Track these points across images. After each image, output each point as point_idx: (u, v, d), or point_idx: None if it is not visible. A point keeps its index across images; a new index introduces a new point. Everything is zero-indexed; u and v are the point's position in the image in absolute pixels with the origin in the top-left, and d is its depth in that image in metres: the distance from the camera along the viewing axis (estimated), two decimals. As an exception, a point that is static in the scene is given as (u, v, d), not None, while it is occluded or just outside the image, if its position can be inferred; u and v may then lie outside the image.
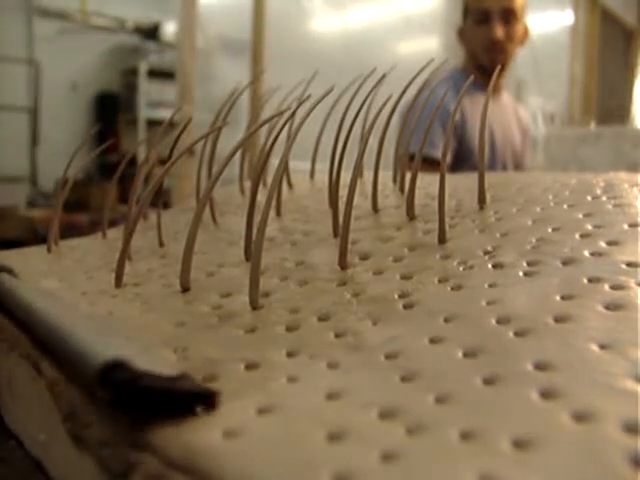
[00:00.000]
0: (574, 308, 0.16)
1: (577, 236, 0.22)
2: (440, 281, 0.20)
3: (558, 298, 0.17)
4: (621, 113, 3.84)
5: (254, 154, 2.13)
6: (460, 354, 0.15)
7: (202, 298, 0.22)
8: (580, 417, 0.12)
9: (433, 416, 0.12)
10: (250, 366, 0.15)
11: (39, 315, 0.17)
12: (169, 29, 3.34)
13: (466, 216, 0.27)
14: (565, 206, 0.26)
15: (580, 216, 0.24)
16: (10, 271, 0.23)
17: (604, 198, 0.27)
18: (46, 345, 0.16)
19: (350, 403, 0.13)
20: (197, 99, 1.92)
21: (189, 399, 0.12)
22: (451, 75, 1.37)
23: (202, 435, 0.12)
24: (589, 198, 0.27)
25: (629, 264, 0.19)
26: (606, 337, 0.15)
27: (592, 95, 3.43)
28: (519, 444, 0.11)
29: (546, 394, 0.13)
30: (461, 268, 0.21)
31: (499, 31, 1.34)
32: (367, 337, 0.16)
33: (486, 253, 0.22)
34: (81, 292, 0.25)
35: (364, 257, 0.24)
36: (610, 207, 0.25)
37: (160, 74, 3.37)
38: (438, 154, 1.24)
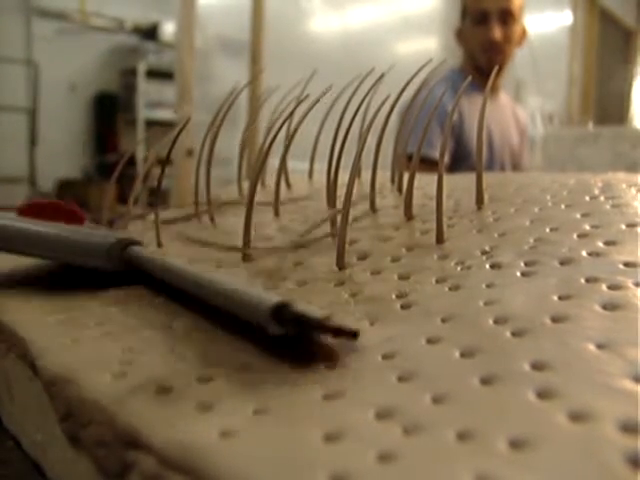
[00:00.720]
0: (571, 308, 0.16)
1: (575, 236, 0.22)
2: (438, 281, 0.20)
3: (555, 298, 0.17)
4: (620, 113, 3.85)
5: (253, 153, 2.13)
6: (457, 354, 0.15)
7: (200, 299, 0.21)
8: (577, 417, 0.12)
9: (430, 416, 0.12)
10: (247, 368, 0.15)
11: (192, 276, 0.20)
12: (168, 29, 3.34)
13: (464, 216, 0.27)
14: (563, 206, 0.26)
15: (578, 216, 0.24)
16: (140, 243, 0.26)
17: (602, 198, 0.27)
18: (208, 300, 0.19)
19: (347, 403, 0.13)
20: (196, 99, 1.92)
21: (337, 333, 0.15)
22: (449, 75, 1.38)
23: (199, 435, 0.12)
24: (587, 198, 0.27)
25: (627, 264, 0.19)
26: (603, 337, 0.15)
27: (590, 95, 3.43)
28: (516, 444, 0.11)
29: (543, 394, 0.13)
30: (459, 268, 0.21)
31: (497, 32, 1.34)
32: (364, 337, 0.16)
33: (484, 253, 0.22)
34: (79, 291, 0.25)
35: (362, 257, 0.24)
36: (608, 207, 0.25)
37: (159, 74, 3.37)
38: (436, 154, 1.24)
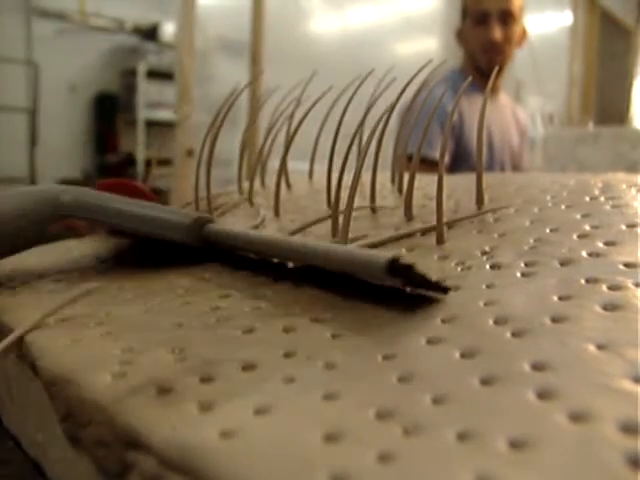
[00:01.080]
0: (571, 308, 0.16)
1: (575, 237, 0.22)
2: (438, 282, 0.20)
3: (556, 299, 0.17)
4: (620, 113, 3.85)
5: (253, 154, 2.13)
6: (457, 355, 0.15)
7: (200, 299, 0.22)
8: (577, 417, 0.12)
9: (430, 417, 0.12)
10: (247, 367, 0.15)
11: (292, 243, 0.22)
12: (168, 30, 3.34)
13: (464, 219, 0.27)
14: (563, 207, 0.26)
15: (578, 217, 0.24)
16: (214, 221, 0.28)
17: (602, 199, 0.27)
18: (313, 262, 0.21)
19: (347, 404, 0.13)
20: (196, 99, 1.92)
21: (433, 287, 0.18)
22: (449, 76, 1.38)
23: (199, 435, 0.12)
24: (587, 199, 0.27)
25: (627, 264, 0.19)
26: (604, 337, 0.15)
27: (591, 95, 3.43)
28: (516, 445, 0.11)
29: (543, 394, 0.13)
30: (459, 269, 0.21)
31: (497, 32, 1.34)
32: (364, 338, 0.16)
33: (484, 254, 0.22)
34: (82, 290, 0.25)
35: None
36: (608, 208, 0.25)
37: (159, 75, 3.37)
38: (436, 155, 1.24)
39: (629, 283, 0.17)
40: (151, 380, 0.14)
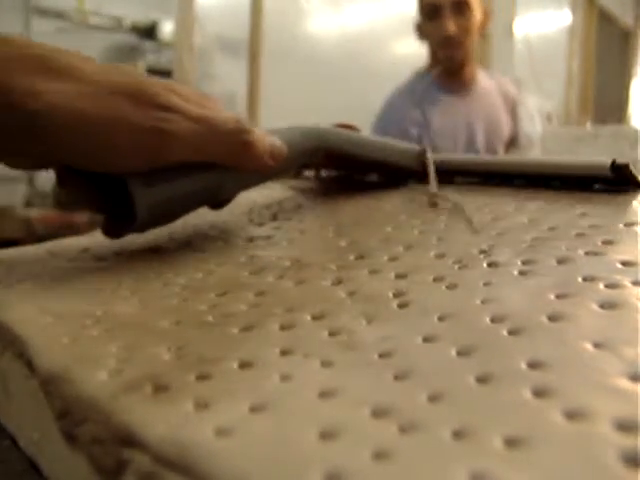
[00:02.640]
0: (569, 307, 0.16)
1: (573, 235, 0.22)
2: (435, 280, 0.20)
3: (553, 297, 0.17)
4: (618, 113, 3.85)
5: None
6: (454, 352, 0.15)
7: (198, 297, 0.21)
8: (573, 416, 0.12)
9: (426, 415, 0.12)
10: (244, 365, 0.15)
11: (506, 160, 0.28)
12: (167, 28, 3.33)
13: (462, 217, 0.27)
14: (560, 207, 0.26)
15: (575, 215, 0.24)
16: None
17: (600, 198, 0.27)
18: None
19: (343, 402, 0.13)
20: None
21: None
22: (411, 81, 1.33)
23: (194, 433, 0.12)
24: (585, 197, 0.27)
25: (624, 263, 0.19)
26: (600, 336, 0.15)
27: (589, 95, 3.43)
28: (511, 442, 0.11)
29: (539, 392, 0.13)
30: (456, 267, 0.21)
31: (451, 26, 1.24)
32: (361, 336, 0.16)
33: (481, 252, 0.22)
34: (76, 290, 0.25)
35: (359, 256, 0.24)
36: (606, 206, 0.25)
37: (158, 73, 3.36)
38: None
39: (627, 282, 0.17)
40: (147, 378, 0.14)
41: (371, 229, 0.27)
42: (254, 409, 0.12)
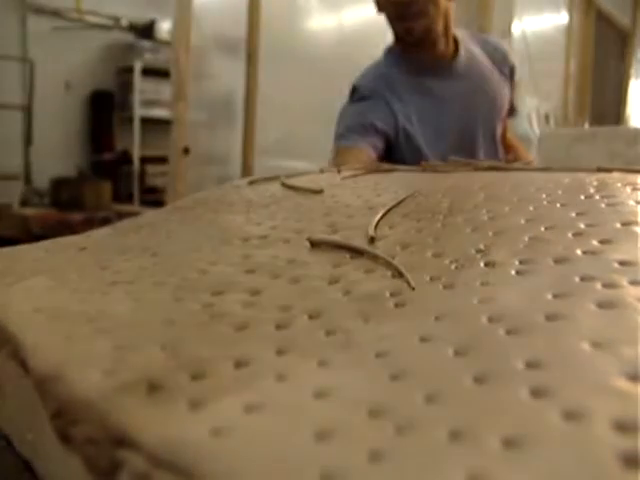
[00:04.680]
0: (566, 306, 0.16)
1: (570, 235, 0.22)
2: (432, 279, 0.20)
3: (550, 296, 0.17)
4: (616, 113, 3.85)
5: (250, 154, 2.12)
6: (451, 352, 0.15)
7: (193, 296, 0.21)
8: (571, 416, 0.12)
9: (422, 415, 0.12)
10: (239, 364, 0.15)
11: None
12: (164, 27, 3.33)
13: (458, 215, 0.27)
14: (558, 205, 0.26)
15: (573, 215, 0.24)
16: None
17: (597, 197, 0.27)
18: None
19: (339, 402, 0.12)
20: (192, 97, 1.92)
21: None
22: (381, 62, 1.09)
23: (189, 433, 0.11)
24: (582, 197, 0.27)
25: (622, 263, 0.19)
26: (598, 335, 0.14)
27: (586, 96, 3.44)
28: (509, 443, 0.11)
29: (536, 393, 0.13)
30: (453, 266, 0.21)
31: (415, 30, 0.98)
32: (357, 335, 0.16)
33: (478, 252, 0.22)
34: (71, 289, 0.24)
35: (355, 256, 0.24)
36: (603, 206, 0.25)
37: (155, 72, 3.36)
38: (347, 143, 0.95)
39: (624, 281, 0.17)
40: (142, 377, 0.14)
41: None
42: (249, 409, 0.12)
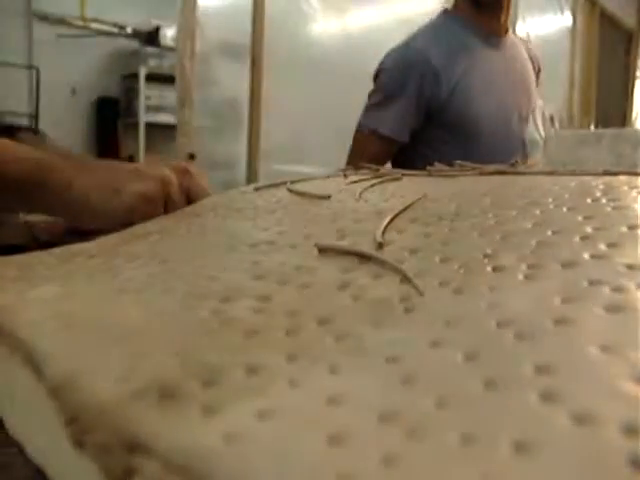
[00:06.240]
0: (574, 311, 0.16)
1: (577, 239, 0.22)
2: (441, 284, 0.20)
3: (558, 301, 0.17)
4: (621, 115, 3.84)
5: (256, 159, 2.12)
6: (460, 358, 0.15)
7: (202, 303, 0.22)
8: (581, 420, 0.12)
9: (433, 420, 0.12)
10: (250, 370, 0.15)
11: None
12: (168, 33, 3.34)
13: (465, 219, 0.27)
14: (565, 209, 0.26)
15: (580, 219, 0.24)
16: None
17: (604, 200, 0.27)
18: None
19: (350, 407, 0.13)
20: (197, 103, 1.93)
21: None
22: (435, 22, 1.15)
23: (202, 439, 0.12)
24: (589, 200, 0.27)
25: (629, 266, 0.19)
26: (607, 339, 0.15)
27: (591, 97, 3.43)
28: (519, 447, 0.11)
29: (546, 397, 0.13)
30: (461, 271, 0.21)
31: None
32: (368, 341, 0.16)
33: (486, 256, 0.22)
34: (82, 297, 0.25)
35: (364, 261, 0.24)
36: (609, 209, 0.25)
37: (160, 78, 3.38)
38: (384, 130, 1.04)
39: (632, 285, 0.17)
40: (154, 385, 0.14)
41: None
42: (262, 415, 0.12)
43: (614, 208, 0.25)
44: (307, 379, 0.14)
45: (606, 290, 0.17)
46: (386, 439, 0.11)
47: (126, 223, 0.44)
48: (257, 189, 0.45)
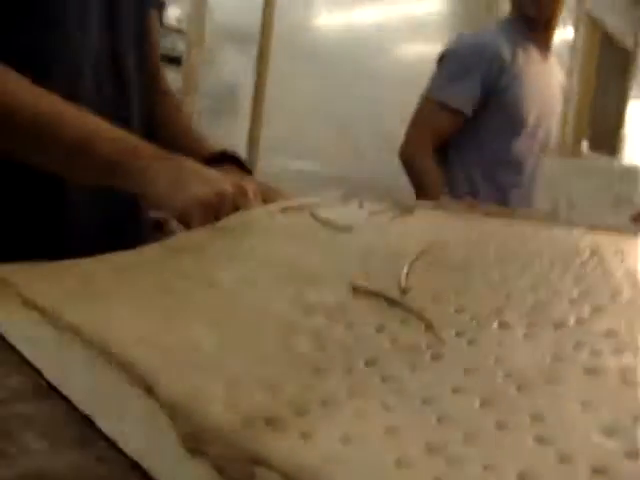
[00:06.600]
0: (561, 370, 0.22)
1: (566, 301, 0.28)
2: (457, 334, 0.26)
3: (549, 360, 0.23)
4: (614, 134, 3.90)
5: (257, 150, 2.13)
6: (477, 403, 0.20)
7: (268, 334, 0.27)
8: (563, 459, 0.17)
9: (464, 452, 0.17)
10: (325, 404, 0.20)
11: None
12: (172, 14, 3.35)
13: (474, 270, 0.32)
14: (557, 270, 0.32)
15: (570, 281, 0.30)
16: None
17: (591, 264, 0.32)
18: None
19: (404, 438, 0.18)
20: (201, 87, 1.95)
21: None
22: (503, 24, 1.36)
23: (306, 459, 0.17)
24: (578, 262, 0.33)
25: (607, 333, 0.24)
26: (584, 397, 0.20)
27: (585, 115, 3.49)
28: (522, 477, 0.16)
29: (539, 440, 0.18)
30: (474, 323, 0.26)
31: None
32: (406, 383, 0.22)
33: (493, 312, 0.27)
34: (151, 318, 0.30)
35: (390, 305, 0.29)
36: (596, 273, 0.31)
37: (162, 58, 3.37)
38: (453, 103, 1.27)
39: (606, 351, 0.23)
40: (259, 414, 0.19)
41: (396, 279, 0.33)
42: (344, 440, 0.18)
43: (600, 273, 0.31)
44: (367, 413, 0.19)
45: (585, 354, 0.23)
46: (434, 466, 0.16)
47: (178, 218, 0.51)
48: (283, 210, 0.50)
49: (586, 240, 0.37)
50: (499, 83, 1.27)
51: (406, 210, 0.49)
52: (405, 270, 0.32)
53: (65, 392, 0.27)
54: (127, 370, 0.24)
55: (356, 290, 0.31)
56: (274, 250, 0.41)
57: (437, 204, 0.53)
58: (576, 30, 3.38)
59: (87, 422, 0.26)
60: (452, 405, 0.20)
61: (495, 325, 0.26)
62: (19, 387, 0.29)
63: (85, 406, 0.26)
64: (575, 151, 2.78)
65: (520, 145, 1.33)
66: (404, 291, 0.30)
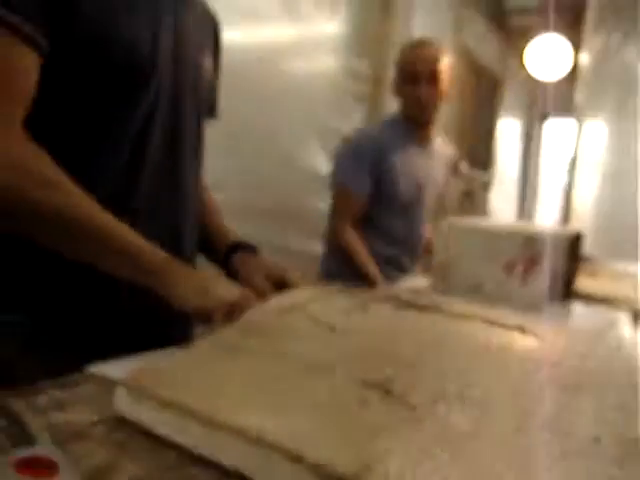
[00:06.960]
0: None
1: (457, 405, 0.52)
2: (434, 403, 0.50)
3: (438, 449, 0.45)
4: (487, 151, 4.28)
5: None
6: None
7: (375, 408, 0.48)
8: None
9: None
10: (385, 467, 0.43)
11: None
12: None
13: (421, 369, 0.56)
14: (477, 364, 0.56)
15: (465, 383, 0.55)
16: None
17: (494, 365, 0.57)
18: None
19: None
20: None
21: None
22: (388, 122, 1.65)
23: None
24: (478, 365, 0.58)
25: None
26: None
27: (465, 137, 3.73)
28: None
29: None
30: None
31: (424, 92, 1.55)
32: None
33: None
34: (261, 409, 0.49)
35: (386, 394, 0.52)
36: (493, 375, 0.56)
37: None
38: (352, 187, 1.58)
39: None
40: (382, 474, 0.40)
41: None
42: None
43: (496, 378, 0.56)
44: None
45: (446, 457, 0.42)
46: None
47: (206, 317, 0.67)
48: (280, 313, 0.72)
49: (493, 337, 0.62)
50: (380, 169, 1.57)
51: (361, 306, 0.74)
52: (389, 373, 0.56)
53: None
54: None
55: (365, 385, 0.54)
56: (291, 349, 0.62)
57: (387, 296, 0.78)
58: (453, 62, 3.62)
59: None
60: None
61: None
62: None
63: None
64: (456, 172, 3.03)
65: (397, 222, 1.65)
66: (388, 390, 0.54)
